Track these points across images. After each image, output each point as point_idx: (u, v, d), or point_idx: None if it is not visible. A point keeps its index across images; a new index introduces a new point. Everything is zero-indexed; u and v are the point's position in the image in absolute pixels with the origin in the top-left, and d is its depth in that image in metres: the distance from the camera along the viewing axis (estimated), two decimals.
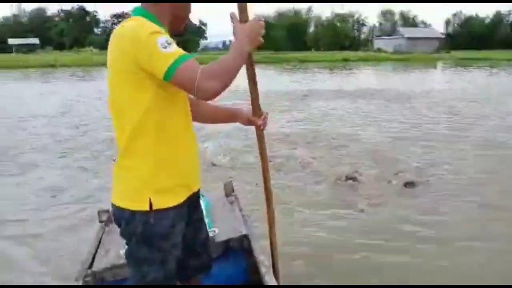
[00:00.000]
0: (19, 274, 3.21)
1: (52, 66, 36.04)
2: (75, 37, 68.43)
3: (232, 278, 2.36)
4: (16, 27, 73.39)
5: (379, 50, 61.73)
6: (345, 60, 45.67)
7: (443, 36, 71.43)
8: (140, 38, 1.33)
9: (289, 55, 49.89)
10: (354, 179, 5.17)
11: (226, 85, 1.41)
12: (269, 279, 1.92)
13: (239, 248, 2.34)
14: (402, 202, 4.53)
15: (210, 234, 2.19)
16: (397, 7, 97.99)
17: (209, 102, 1.72)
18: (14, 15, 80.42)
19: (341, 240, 3.66)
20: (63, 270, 3.11)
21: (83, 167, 6.00)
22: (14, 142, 7.59)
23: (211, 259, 1.91)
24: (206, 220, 2.18)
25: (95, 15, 76.66)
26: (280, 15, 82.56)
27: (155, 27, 1.39)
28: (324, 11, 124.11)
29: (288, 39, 74.34)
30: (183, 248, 1.67)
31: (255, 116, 1.84)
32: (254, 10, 1.55)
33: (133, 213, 1.51)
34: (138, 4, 1.54)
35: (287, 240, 3.27)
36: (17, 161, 6.38)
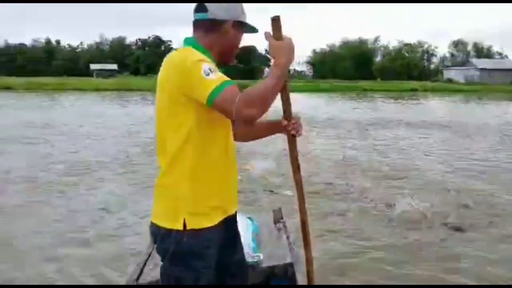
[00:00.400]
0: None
1: (128, 90, 38.56)
2: (150, 64, 72.76)
3: None
4: (98, 53, 79.83)
5: (449, 81, 59.27)
6: (413, 90, 44.36)
7: None
8: (186, 64, 1.42)
9: (355, 84, 49.40)
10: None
11: (264, 111, 1.45)
12: None
13: (283, 276, 2.29)
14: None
15: (255, 260, 2.23)
16: (470, 38, 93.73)
17: None
18: (97, 43, 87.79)
19: None
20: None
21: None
22: (87, 157, 8.24)
23: (246, 280, 1.89)
24: (252, 245, 2.30)
25: (169, 44, 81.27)
26: (346, 44, 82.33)
27: (200, 55, 1.47)
28: (391, 41, 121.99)
29: (354, 68, 73.76)
30: (217, 269, 1.68)
31: (286, 119, 1.75)
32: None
33: (169, 231, 1.56)
34: (190, 35, 1.63)
35: None
36: (91, 176, 6.92)
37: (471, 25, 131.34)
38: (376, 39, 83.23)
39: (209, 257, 1.60)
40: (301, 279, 2.12)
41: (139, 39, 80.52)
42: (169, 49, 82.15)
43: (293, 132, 1.76)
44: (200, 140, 1.52)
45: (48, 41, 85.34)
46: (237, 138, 1.78)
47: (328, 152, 9.12)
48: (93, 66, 65.80)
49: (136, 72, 70.46)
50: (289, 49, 1.51)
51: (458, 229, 4.55)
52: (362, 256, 3.91)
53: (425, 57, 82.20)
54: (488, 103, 27.50)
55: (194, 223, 1.55)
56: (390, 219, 4.83)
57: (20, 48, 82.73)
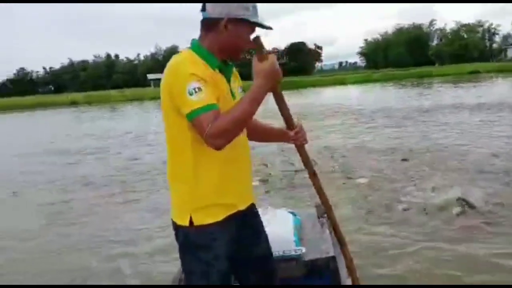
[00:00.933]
0: None
1: None
2: None
3: None
4: (154, 63, 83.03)
5: None
6: (474, 72, 41.99)
7: None
8: (178, 76, 1.50)
9: (410, 71, 47.65)
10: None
11: (234, 137, 1.51)
12: None
13: (326, 269, 2.30)
14: None
15: (297, 253, 2.28)
16: None
17: (260, 120, 1.91)
18: (152, 54, 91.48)
19: None
20: None
21: None
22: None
23: (273, 276, 1.91)
24: (294, 239, 2.34)
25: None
26: (399, 30, 79.57)
27: (194, 69, 1.50)
28: (449, 22, 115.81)
29: (408, 54, 71.08)
30: (234, 263, 1.73)
31: (289, 129, 1.81)
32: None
33: (178, 227, 1.67)
34: (197, 36, 1.65)
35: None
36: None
37: None
38: (432, 23, 79.79)
39: (217, 249, 1.64)
40: (343, 273, 2.16)
41: None
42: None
43: (299, 142, 1.81)
44: (198, 141, 1.53)
45: (108, 56, 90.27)
46: (251, 136, 1.83)
47: (376, 141, 9.09)
48: (150, 76, 68.47)
49: None
50: (269, 72, 1.52)
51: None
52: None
53: (486, 37, 77.43)
54: None
55: (199, 220, 1.62)
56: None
57: (83, 65, 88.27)
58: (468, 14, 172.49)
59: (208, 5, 1.59)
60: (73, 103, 42.37)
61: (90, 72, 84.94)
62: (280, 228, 2.37)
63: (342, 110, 16.83)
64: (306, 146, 1.83)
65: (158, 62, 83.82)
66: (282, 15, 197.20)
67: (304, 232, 2.59)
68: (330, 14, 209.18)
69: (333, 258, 2.29)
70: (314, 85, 42.96)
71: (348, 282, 2.09)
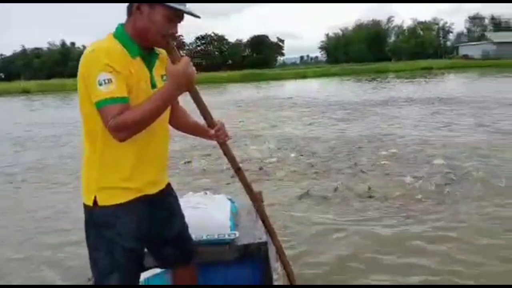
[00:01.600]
0: None
1: None
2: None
3: (246, 282, 2.40)
4: None
5: (465, 57, 57.96)
6: (427, 68, 43.66)
7: None
8: (91, 65, 1.51)
9: (367, 66, 48.91)
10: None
11: (137, 132, 1.54)
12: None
13: (257, 254, 2.37)
14: None
15: (230, 237, 2.32)
16: (487, 12, 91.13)
17: (185, 112, 1.97)
18: None
19: None
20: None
21: None
22: None
23: (193, 248, 1.99)
24: (229, 224, 2.38)
25: (181, 39, 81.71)
26: (359, 26, 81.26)
27: (109, 59, 1.50)
28: (406, 20, 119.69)
29: (368, 50, 72.82)
30: (151, 242, 1.83)
31: (209, 127, 1.87)
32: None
33: (85, 206, 1.72)
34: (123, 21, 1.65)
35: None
36: None
37: None
38: (390, 19, 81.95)
39: (120, 226, 1.68)
40: (274, 258, 2.22)
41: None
42: (181, 43, 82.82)
43: (220, 140, 1.88)
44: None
45: (63, 44, 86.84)
46: (172, 123, 1.90)
47: (323, 132, 9.36)
48: None
49: None
50: (181, 73, 1.51)
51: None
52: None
53: (440, 35, 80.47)
54: (496, 79, 26.83)
55: (103, 200, 1.66)
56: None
57: (37, 52, 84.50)
58: (425, 12, 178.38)
59: None
60: (26, 92, 40.56)
61: (44, 59, 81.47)
62: (217, 213, 2.42)
63: (299, 102, 17.11)
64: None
65: None
66: (245, 7, 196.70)
67: (240, 219, 2.67)
68: (294, 7, 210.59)
69: (265, 243, 2.35)
70: (275, 78, 43.25)
71: (278, 266, 2.15)
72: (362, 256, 3.46)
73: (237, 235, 2.36)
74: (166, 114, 1.74)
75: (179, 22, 1.64)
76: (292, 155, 7.26)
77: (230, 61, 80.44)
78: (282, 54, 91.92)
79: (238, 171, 1.98)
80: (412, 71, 41.32)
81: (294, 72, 48.63)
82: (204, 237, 2.26)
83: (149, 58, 1.67)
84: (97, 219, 1.69)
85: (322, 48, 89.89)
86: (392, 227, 4.01)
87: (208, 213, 2.38)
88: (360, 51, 71.98)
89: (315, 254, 3.56)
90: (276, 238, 2.17)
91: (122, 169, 1.67)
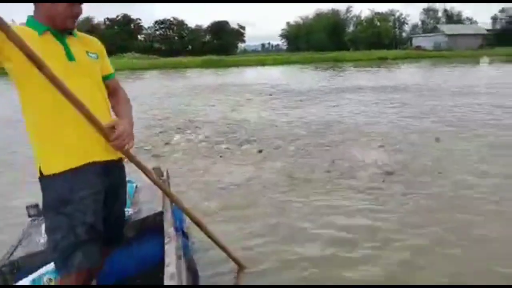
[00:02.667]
0: None
1: None
2: (120, 44, 71.13)
3: (149, 256, 2.41)
4: None
5: (417, 48, 60.10)
6: (382, 58, 44.95)
7: (487, 33, 68.33)
8: None
9: (326, 55, 49.68)
10: None
11: None
12: (171, 268, 1.89)
13: (154, 225, 2.41)
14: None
15: (126, 213, 2.31)
16: (440, 5, 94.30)
17: (123, 101, 2.05)
18: None
19: None
20: None
21: None
22: None
23: (123, 234, 2.05)
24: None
25: (139, 22, 79.48)
26: (319, 15, 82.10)
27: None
28: (364, 10, 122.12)
29: (328, 40, 73.82)
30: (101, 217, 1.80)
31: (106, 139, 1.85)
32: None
33: (39, 180, 1.77)
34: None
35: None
36: None
37: None
38: (348, 9, 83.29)
39: (78, 201, 1.71)
40: (168, 226, 2.24)
41: (108, 19, 78.29)
42: (139, 27, 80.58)
43: (122, 148, 1.85)
44: (35, 98, 1.72)
45: None
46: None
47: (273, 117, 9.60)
48: None
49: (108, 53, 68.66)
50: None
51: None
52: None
53: (396, 26, 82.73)
54: (452, 68, 28.17)
55: (47, 169, 1.73)
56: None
57: None
58: (382, 2, 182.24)
59: None
60: None
61: None
62: None
63: (257, 89, 17.26)
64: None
65: None
66: None
67: (138, 196, 2.74)
68: None
69: (160, 213, 2.42)
70: (235, 64, 43.14)
71: (171, 230, 2.16)
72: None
73: (130, 212, 2.41)
74: (96, 88, 1.86)
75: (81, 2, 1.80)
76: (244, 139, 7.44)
77: (190, 47, 79.26)
78: (243, 41, 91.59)
79: (149, 173, 2.14)
80: (369, 60, 42.46)
81: (254, 59, 48.63)
82: None
83: (60, 35, 1.79)
84: (52, 195, 1.71)
85: (283, 36, 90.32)
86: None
87: None
88: (320, 40, 72.85)
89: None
90: (201, 223, 2.36)
91: (63, 133, 1.74)
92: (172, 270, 1.77)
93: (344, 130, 7.80)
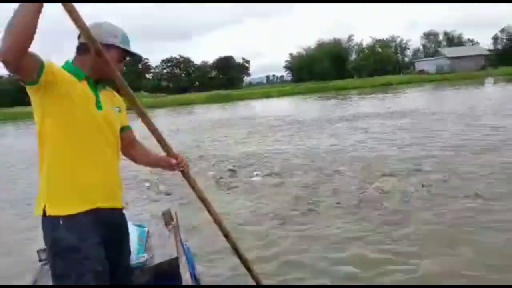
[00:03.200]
0: None
1: None
2: (129, 84, 72.76)
3: None
4: None
5: (421, 72, 60.81)
6: (386, 84, 45.48)
7: (489, 53, 69.05)
8: None
9: (329, 84, 50.46)
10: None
11: (17, 42, 1.46)
12: None
13: (169, 271, 2.37)
14: None
15: (140, 261, 2.35)
16: (440, 28, 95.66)
17: (145, 148, 2.16)
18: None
19: None
20: None
21: None
22: None
23: (132, 283, 2.03)
24: (137, 247, 2.41)
25: (146, 62, 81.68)
26: (321, 45, 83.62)
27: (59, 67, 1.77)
28: (365, 38, 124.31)
29: (331, 68, 74.97)
30: (104, 266, 1.77)
31: (173, 159, 2.10)
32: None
33: (42, 220, 1.75)
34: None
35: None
36: None
37: (442, 15, 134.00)
38: (350, 38, 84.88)
39: (87, 249, 1.71)
40: (184, 272, 2.27)
41: None
42: (146, 66, 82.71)
43: (182, 169, 2.12)
44: (58, 136, 1.75)
45: None
46: (131, 158, 2.16)
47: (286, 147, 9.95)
48: None
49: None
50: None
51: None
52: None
53: (398, 51, 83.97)
54: (454, 90, 28.45)
55: (52, 210, 1.72)
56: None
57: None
58: (382, 29, 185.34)
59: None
60: None
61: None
62: None
63: (261, 122, 17.72)
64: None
65: None
66: (210, 30, 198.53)
67: (151, 241, 2.70)
68: (258, 28, 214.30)
69: (176, 259, 2.40)
70: (241, 98, 44.00)
71: (188, 277, 2.23)
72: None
73: (146, 257, 2.40)
74: (112, 138, 1.91)
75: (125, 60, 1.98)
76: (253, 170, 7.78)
77: (197, 83, 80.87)
78: (248, 74, 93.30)
79: (203, 199, 2.20)
80: (372, 87, 43.02)
81: (259, 92, 49.59)
82: None
83: (95, 85, 1.88)
84: (63, 242, 1.70)
85: (286, 67, 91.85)
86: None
87: None
88: (323, 70, 73.96)
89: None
90: (230, 237, 2.33)
91: (72, 176, 1.76)
92: None
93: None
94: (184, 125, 18.93)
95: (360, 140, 10.31)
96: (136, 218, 3.08)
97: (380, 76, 55.49)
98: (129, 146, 2.10)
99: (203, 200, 2.18)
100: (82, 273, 1.68)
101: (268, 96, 45.15)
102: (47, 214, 1.72)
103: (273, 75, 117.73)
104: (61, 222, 1.71)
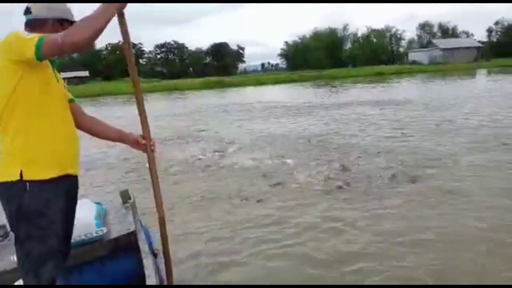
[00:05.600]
0: None
1: (98, 95, 37.90)
2: (122, 68, 72.36)
3: (123, 276, 2.40)
4: (69, 61, 78.78)
5: (414, 62, 61.10)
6: (379, 74, 45.71)
7: (481, 45, 69.48)
8: (12, 36, 1.64)
9: (323, 72, 50.61)
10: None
11: (90, 37, 1.59)
12: (151, 280, 1.98)
13: (128, 245, 2.40)
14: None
15: (99, 234, 2.36)
16: (435, 19, 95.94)
17: (97, 119, 2.12)
18: None
19: None
20: None
21: None
22: None
23: (69, 251, 1.95)
24: (95, 222, 2.41)
25: (140, 47, 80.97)
26: (316, 34, 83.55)
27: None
28: (361, 27, 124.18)
29: (326, 57, 75.06)
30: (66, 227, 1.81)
31: (144, 139, 2.09)
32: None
33: (8, 185, 1.69)
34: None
35: None
36: None
37: (440, 7, 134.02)
38: (345, 27, 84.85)
39: (53, 213, 1.73)
40: (143, 246, 2.30)
41: (109, 44, 79.85)
42: (140, 51, 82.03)
43: (151, 149, 2.12)
44: (31, 100, 1.72)
45: None
46: (79, 126, 2.03)
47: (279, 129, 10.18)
48: (64, 75, 63.82)
49: (109, 78, 69.71)
50: None
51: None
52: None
53: (393, 41, 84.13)
54: (447, 82, 28.72)
55: (30, 175, 1.70)
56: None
57: None
58: (378, 19, 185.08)
59: (33, 7, 1.84)
60: None
61: None
62: (81, 215, 2.27)
63: (257, 107, 17.95)
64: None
65: (73, 59, 79.94)
66: (204, 15, 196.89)
67: (109, 218, 2.72)
68: (254, 14, 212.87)
69: (133, 233, 2.44)
70: (235, 85, 43.98)
71: (146, 255, 2.22)
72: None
73: (104, 231, 2.41)
74: (69, 109, 1.92)
75: None
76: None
77: (191, 69, 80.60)
78: (243, 62, 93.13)
79: (156, 180, 2.16)
80: (365, 76, 43.21)
81: (253, 79, 49.59)
82: (72, 240, 2.08)
83: (51, 61, 1.90)
84: (30, 207, 1.70)
85: (281, 55, 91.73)
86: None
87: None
88: (319, 58, 74.08)
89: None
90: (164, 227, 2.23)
91: (49, 140, 1.76)
92: (153, 281, 1.93)
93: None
94: (177, 109, 18.98)
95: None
96: (94, 197, 3.20)
97: (374, 66, 55.67)
98: (79, 118, 2.05)
99: (153, 180, 2.16)
100: (48, 236, 1.71)
101: (262, 83, 45.15)
102: (24, 178, 1.69)
103: (268, 63, 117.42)
104: (29, 187, 1.70)
